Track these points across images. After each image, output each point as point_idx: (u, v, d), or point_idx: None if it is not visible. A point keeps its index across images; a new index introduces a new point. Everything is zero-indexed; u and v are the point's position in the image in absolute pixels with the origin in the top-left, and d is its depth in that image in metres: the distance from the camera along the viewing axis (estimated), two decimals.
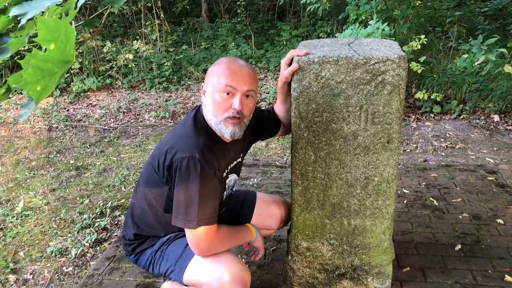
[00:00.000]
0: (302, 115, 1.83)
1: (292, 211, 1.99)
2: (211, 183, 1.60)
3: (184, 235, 1.68)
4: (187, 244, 1.68)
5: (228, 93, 1.60)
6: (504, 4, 6.44)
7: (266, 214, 2.05)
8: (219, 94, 1.61)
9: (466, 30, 6.40)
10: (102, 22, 1.41)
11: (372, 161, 1.86)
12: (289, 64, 1.80)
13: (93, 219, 2.92)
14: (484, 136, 4.17)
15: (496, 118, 4.52)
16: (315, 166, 1.89)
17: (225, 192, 1.82)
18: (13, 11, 0.81)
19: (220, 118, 1.62)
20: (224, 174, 1.75)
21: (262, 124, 1.97)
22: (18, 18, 0.84)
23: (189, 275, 1.69)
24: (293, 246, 2.04)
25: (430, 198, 2.85)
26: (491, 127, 4.39)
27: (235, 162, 1.84)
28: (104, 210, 3.03)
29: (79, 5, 0.79)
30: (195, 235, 1.60)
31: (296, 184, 1.94)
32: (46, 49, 0.68)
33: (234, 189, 1.93)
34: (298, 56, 1.76)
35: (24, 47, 0.84)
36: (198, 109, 1.76)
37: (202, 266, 1.66)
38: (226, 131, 1.63)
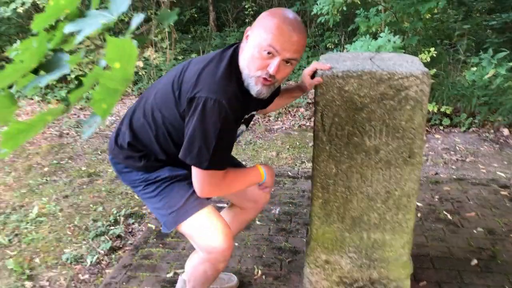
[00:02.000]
0: (325, 128, 1.84)
1: (312, 223, 2.00)
2: (230, 131, 1.59)
3: (186, 181, 1.70)
4: (190, 196, 1.71)
5: (269, 53, 1.50)
6: None
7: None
8: (259, 51, 1.51)
9: (474, 43, 6.44)
10: (152, 38, 1.42)
11: (394, 175, 1.87)
12: (312, 76, 1.82)
13: (107, 227, 2.93)
14: (494, 150, 4.18)
15: (506, 132, 4.53)
16: (336, 179, 1.90)
17: None
18: (68, 28, 0.83)
19: (252, 73, 1.55)
20: (239, 124, 1.72)
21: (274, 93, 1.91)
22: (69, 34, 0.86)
23: (186, 227, 1.74)
24: (312, 258, 2.04)
25: (444, 212, 2.85)
26: (501, 140, 4.40)
27: (250, 114, 1.79)
28: (118, 217, 3.04)
29: (134, 24, 0.81)
30: (202, 176, 1.59)
31: (316, 197, 1.95)
32: (108, 67, 0.70)
33: (238, 139, 1.90)
34: (321, 70, 1.78)
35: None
36: (236, 49, 1.65)
37: (200, 227, 1.73)
38: (254, 88, 1.57)
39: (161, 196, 1.75)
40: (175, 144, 1.70)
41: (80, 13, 0.85)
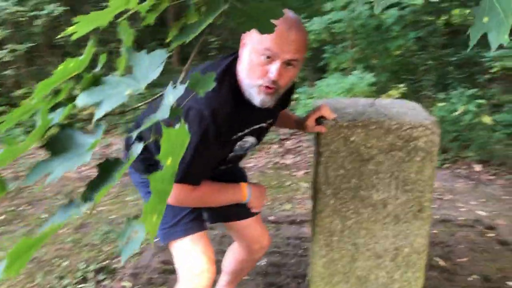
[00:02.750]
0: (329, 181, 1.71)
1: (313, 284, 1.84)
2: (210, 146, 1.45)
3: None
4: (183, 217, 1.68)
5: (268, 57, 1.38)
6: (470, 55, 6.70)
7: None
8: (257, 56, 1.39)
9: (436, 78, 6.59)
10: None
11: (402, 230, 1.75)
12: (316, 119, 1.70)
13: (75, 285, 2.63)
14: (469, 187, 4.19)
15: (478, 168, 4.57)
16: (342, 236, 1.76)
17: (231, 153, 1.63)
18: (82, 99, 0.65)
19: (253, 83, 1.43)
20: (235, 137, 1.55)
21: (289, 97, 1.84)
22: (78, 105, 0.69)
23: (172, 246, 1.73)
24: None
25: (435, 258, 2.75)
26: (474, 177, 4.43)
27: (256, 126, 1.62)
28: (86, 273, 2.75)
29: (172, 98, 0.64)
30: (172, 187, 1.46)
31: (319, 256, 1.79)
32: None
33: (247, 151, 1.74)
34: (326, 119, 1.67)
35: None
36: (234, 59, 1.52)
37: (184, 250, 1.71)
38: (257, 98, 1.44)
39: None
40: None
41: (95, 80, 0.68)
